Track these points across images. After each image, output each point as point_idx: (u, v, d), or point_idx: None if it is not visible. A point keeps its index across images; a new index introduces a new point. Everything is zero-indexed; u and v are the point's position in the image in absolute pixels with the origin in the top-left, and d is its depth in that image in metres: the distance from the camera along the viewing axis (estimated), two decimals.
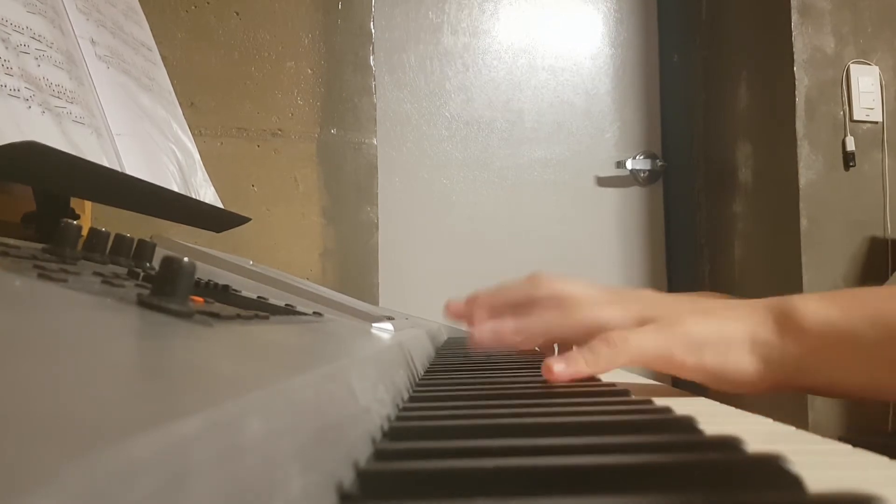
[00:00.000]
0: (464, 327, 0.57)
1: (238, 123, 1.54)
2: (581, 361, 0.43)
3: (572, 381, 0.44)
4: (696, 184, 2.09)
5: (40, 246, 0.38)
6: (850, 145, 1.76)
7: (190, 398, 0.14)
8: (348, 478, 0.19)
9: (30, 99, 0.52)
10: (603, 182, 2.07)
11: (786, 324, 0.43)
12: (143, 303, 0.26)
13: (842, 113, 1.77)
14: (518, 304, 0.52)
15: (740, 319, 0.44)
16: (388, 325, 0.60)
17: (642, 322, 0.46)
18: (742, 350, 0.44)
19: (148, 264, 0.45)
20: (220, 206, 0.85)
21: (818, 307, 0.43)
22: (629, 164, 2.05)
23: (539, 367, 0.56)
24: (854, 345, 0.42)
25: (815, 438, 0.30)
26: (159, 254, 0.37)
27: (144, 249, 0.46)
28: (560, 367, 0.43)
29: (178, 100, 0.88)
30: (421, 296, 1.89)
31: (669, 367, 0.44)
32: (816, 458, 0.26)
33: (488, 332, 0.49)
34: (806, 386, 0.44)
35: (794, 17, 1.75)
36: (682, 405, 0.35)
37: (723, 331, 0.44)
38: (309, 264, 1.56)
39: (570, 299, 0.49)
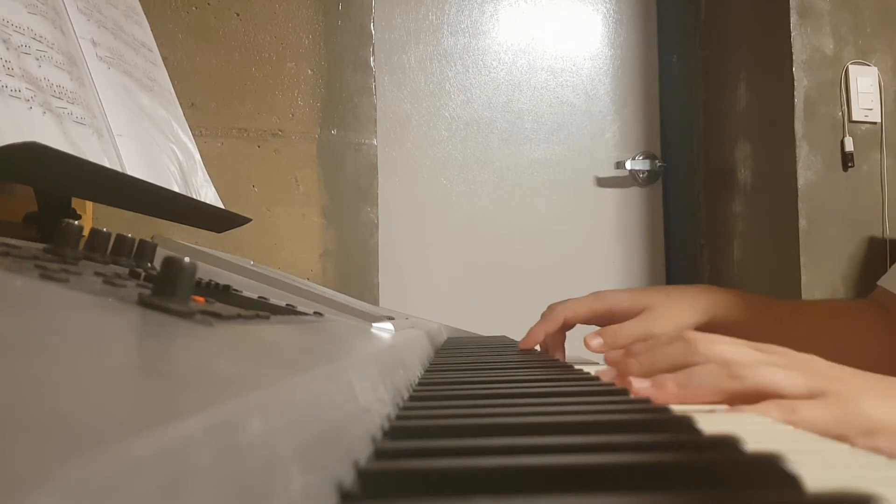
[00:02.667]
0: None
1: (238, 124, 1.54)
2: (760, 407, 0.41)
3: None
4: (696, 184, 2.09)
5: (42, 246, 0.38)
6: (849, 146, 1.76)
7: (190, 398, 0.14)
8: (349, 477, 0.19)
9: (31, 100, 0.52)
10: (602, 182, 2.07)
11: None
12: (144, 303, 0.26)
13: (841, 113, 1.77)
14: (671, 370, 0.47)
15: None
16: (388, 325, 0.60)
17: (814, 393, 0.43)
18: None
19: (149, 264, 0.45)
20: (221, 206, 0.85)
21: None
22: (629, 165, 2.05)
23: (539, 369, 0.56)
24: None
25: (814, 438, 0.30)
26: (160, 254, 0.37)
27: (145, 249, 0.46)
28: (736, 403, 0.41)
29: (178, 100, 0.88)
30: (421, 296, 1.89)
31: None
32: (815, 457, 0.26)
33: (653, 394, 0.44)
34: None
35: (793, 18, 1.75)
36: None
37: (893, 412, 0.42)
38: (309, 264, 1.56)
39: (734, 360, 0.44)
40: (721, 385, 0.43)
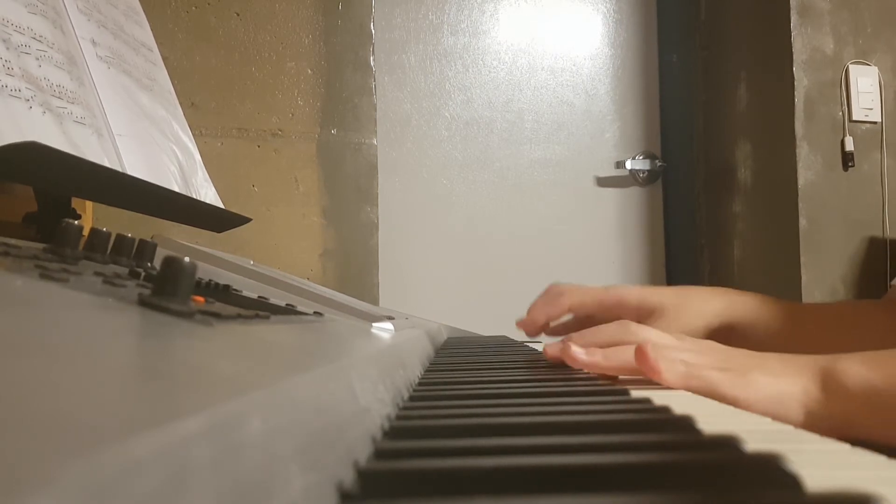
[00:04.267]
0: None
1: (238, 124, 1.54)
2: (663, 365, 0.48)
3: (645, 375, 0.49)
4: (696, 184, 2.09)
5: (41, 246, 0.38)
6: (850, 145, 1.76)
7: (190, 398, 0.14)
8: (348, 477, 0.19)
9: (31, 99, 0.52)
10: (602, 182, 2.07)
11: (831, 384, 0.49)
12: (144, 302, 0.26)
13: (841, 113, 1.77)
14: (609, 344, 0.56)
15: (795, 376, 0.50)
16: (388, 325, 0.60)
17: (718, 368, 0.50)
18: (797, 406, 0.49)
19: (149, 264, 0.45)
20: (221, 206, 0.85)
21: (860, 370, 0.49)
22: (629, 165, 2.05)
23: (538, 368, 0.56)
24: (890, 407, 0.47)
25: (814, 438, 0.30)
26: (160, 254, 0.37)
27: (145, 249, 0.46)
28: (650, 353, 0.48)
29: (178, 100, 0.88)
30: (421, 296, 1.89)
31: (735, 406, 0.49)
32: (815, 457, 0.26)
33: (583, 359, 0.53)
34: (851, 438, 0.48)
35: (794, 18, 1.75)
36: (681, 404, 0.35)
37: (781, 385, 0.49)
38: (309, 264, 1.56)
39: (657, 343, 0.53)
40: (633, 361, 0.50)
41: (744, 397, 0.48)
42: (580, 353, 0.53)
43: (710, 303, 0.74)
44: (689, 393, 0.46)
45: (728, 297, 0.76)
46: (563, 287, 0.77)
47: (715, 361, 0.51)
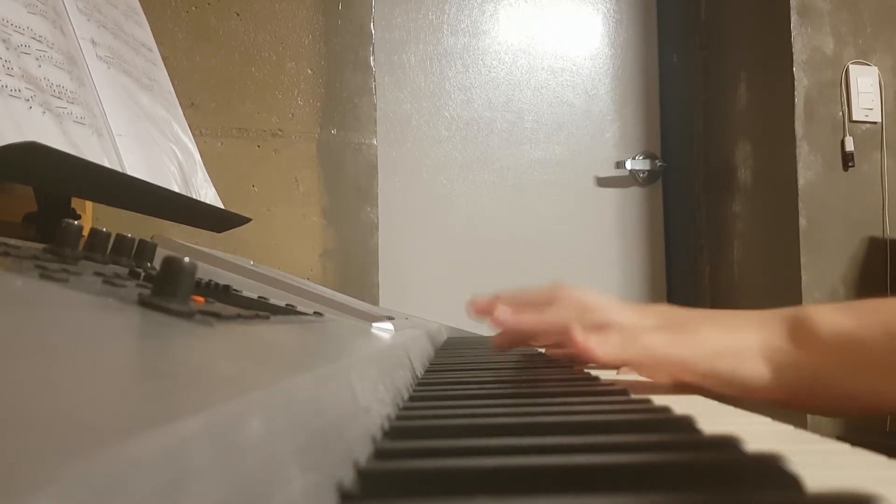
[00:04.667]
0: (483, 325, 0.58)
1: (238, 124, 1.54)
2: (593, 340, 0.44)
3: (580, 356, 0.46)
4: (696, 184, 2.09)
5: (41, 246, 0.38)
6: (850, 145, 1.76)
7: (190, 398, 0.14)
8: (348, 477, 0.19)
9: (31, 99, 0.52)
10: (602, 182, 2.07)
11: (800, 332, 0.45)
12: (144, 303, 0.26)
13: (841, 113, 1.77)
14: (539, 305, 0.52)
15: (754, 329, 0.45)
16: (388, 325, 0.60)
17: (654, 328, 0.47)
18: (756, 358, 0.45)
19: (149, 264, 0.45)
20: (221, 206, 0.85)
21: (832, 317, 0.44)
22: (629, 165, 2.05)
23: (538, 368, 0.56)
24: (866, 354, 0.43)
25: (814, 438, 0.30)
26: (160, 254, 0.37)
27: (145, 249, 0.46)
28: (578, 334, 0.44)
29: (178, 100, 0.88)
30: (421, 296, 1.89)
31: (680, 370, 0.45)
32: (815, 457, 0.26)
33: (509, 318, 0.50)
34: (822, 391, 0.45)
35: (794, 18, 1.75)
36: (682, 404, 0.35)
37: (737, 339, 0.45)
38: (309, 264, 1.56)
39: (590, 303, 0.50)
40: (566, 322, 0.47)
41: (690, 355, 0.44)
42: (506, 312, 0.50)
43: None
44: (689, 393, 0.46)
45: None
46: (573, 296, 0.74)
47: (655, 323, 0.47)
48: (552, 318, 0.49)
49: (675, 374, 0.45)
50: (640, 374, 0.49)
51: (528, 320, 0.50)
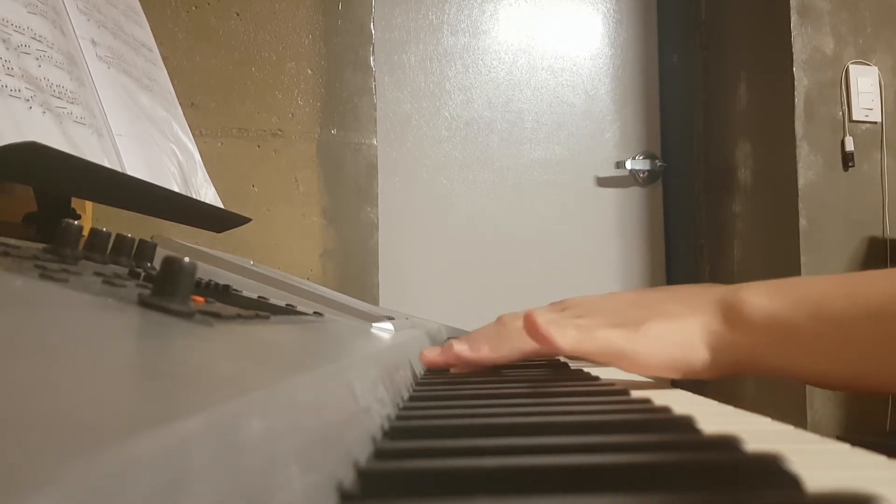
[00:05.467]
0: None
1: (238, 124, 1.54)
2: (553, 331, 0.46)
3: (540, 348, 0.48)
4: (696, 184, 2.09)
5: (41, 246, 0.38)
6: (850, 145, 1.76)
7: (190, 398, 0.14)
8: (348, 477, 0.19)
9: (31, 99, 0.52)
10: (602, 182, 2.07)
11: (734, 317, 0.47)
12: (144, 303, 0.26)
13: (841, 113, 1.77)
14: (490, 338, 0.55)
15: (694, 315, 0.48)
16: (388, 325, 0.60)
17: (605, 326, 0.50)
18: (698, 344, 0.48)
19: (149, 264, 0.45)
20: (221, 206, 0.85)
21: (762, 301, 0.46)
22: (629, 165, 2.05)
23: (538, 368, 0.56)
24: (795, 337, 0.45)
25: (814, 438, 0.30)
26: (160, 254, 0.37)
27: (145, 249, 0.46)
28: (541, 322, 0.46)
29: (178, 100, 0.88)
30: (421, 296, 1.89)
31: (634, 361, 0.48)
32: (815, 457, 0.26)
33: (465, 352, 0.52)
34: (759, 370, 0.48)
35: (794, 18, 1.75)
36: (682, 404, 0.35)
37: (679, 328, 0.48)
38: (309, 264, 1.56)
39: (533, 320, 0.51)
40: (523, 342, 0.50)
41: (643, 350, 0.47)
42: (464, 349, 0.51)
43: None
44: (688, 393, 0.46)
45: (715, 293, 0.76)
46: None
47: (607, 320, 0.49)
48: (511, 347, 0.52)
49: (629, 365, 0.48)
50: (597, 365, 0.53)
51: (488, 355, 0.52)
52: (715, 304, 0.48)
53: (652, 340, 0.47)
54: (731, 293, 0.48)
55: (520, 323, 0.49)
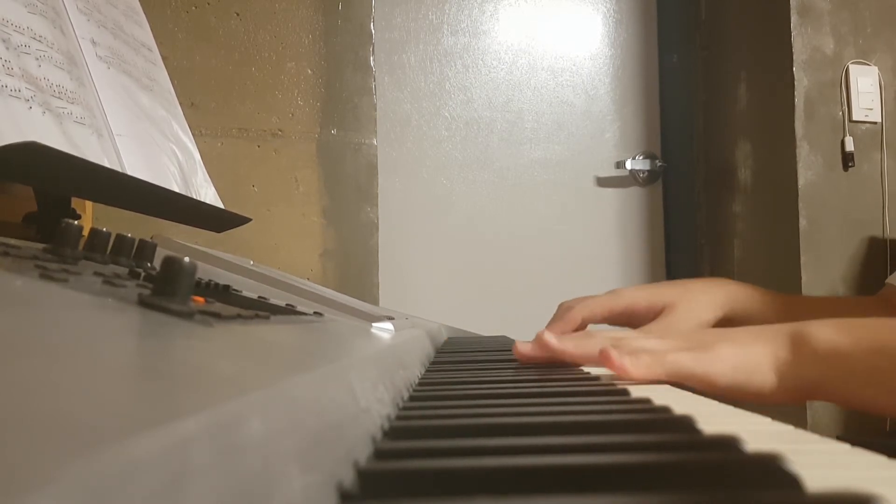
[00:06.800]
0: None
1: (238, 124, 1.54)
2: (627, 361, 0.49)
3: (617, 375, 0.50)
4: (696, 184, 2.09)
5: (41, 246, 0.38)
6: (850, 145, 1.76)
7: (190, 398, 0.14)
8: (348, 477, 0.19)
9: (30, 99, 0.52)
10: (602, 182, 2.07)
11: (801, 347, 0.51)
12: (144, 303, 0.26)
13: (841, 113, 1.77)
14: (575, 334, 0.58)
15: (763, 344, 0.52)
16: (388, 325, 0.60)
17: (680, 348, 0.52)
18: (766, 369, 0.51)
19: (149, 264, 0.45)
20: (221, 206, 0.85)
21: (829, 334, 0.51)
22: (629, 165, 2.05)
23: (538, 368, 0.56)
24: (853, 368, 0.49)
25: (814, 438, 0.30)
26: (160, 254, 0.37)
27: (145, 249, 0.46)
28: (614, 355, 0.49)
29: (178, 100, 0.88)
30: (421, 296, 1.89)
31: (704, 384, 0.51)
32: (815, 457, 0.26)
33: (554, 342, 0.56)
34: (820, 397, 0.52)
35: (794, 18, 1.75)
36: (682, 404, 0.35)
37: (749, 353, 0.51)
38: (309, 264, 1.56)
39: (621, 336, 0.55)
40: (598, 349, 0.52)
41: (713, 371, 0.50)
42: (552, 338, 0.55)
43: (713, 295, 0.76)
44: (689, 393, 0.46)
45: (727, 287, 0.77)
46: (571, 302, 0.77)
47: (678, 344, 0.52)
48: (590, 350, 0.54)
49: (700, 387, 0.51)
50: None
51: (570, 347, 0.55)
52: (784, 335, 0.52)
53: (721, 362, 0.50)
54: (800, 326, 0.52)
55: (608, 334, 0.55)
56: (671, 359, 0.50)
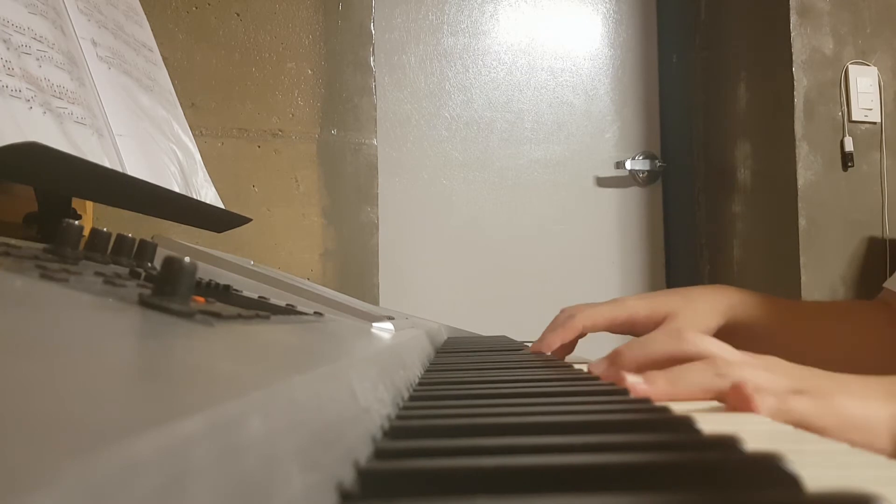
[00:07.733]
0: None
1: (239, 124, 1.54)
2: (756, 399, 0.43)
3: (723, 388, 0.45)
4: (696, 184, 2.09)
5: (42, 246, 0.38)
6: (849, 146, 1.76)
7: (190, 398, 0.14)
8: (349, 477, 0.19)
9: (31, 100, 0.52)
10: (602, 182, 2.07)
11: None
12: (144, 303, 0.26)
13: (840, 113, 1.77)
14: (662, 361, 0.50)
15: (883, 400, 0.48)
16: (388, 325, 0.60)
17: (795, 391, 0.47)
18: (884, 432, 0.47)
19: (149, 264, 0.45)
20: (221, 206, 0.85)
21: None
22: (628, 165, 2.05)
23: (539, 368, 0.56)
24: None
25: (814, 438, 0.30)
26: (160, 254, 0.37)
27: (146, 249, 0.46)
28: (751, 397, 0.43)
29: (178, 100, 0.88)
30: (421, 296, 1.89)
31: (821, 434, 0.47)
32: (815, 457, 0.26)
33: (644, 388, 0.47)
34: None
35: (793, 18, 1.75)
36: (681, 404, 0.35)
37: (868, 410, 0.47)
38: (309, 264, 1.56)
39: (721, 358, 0.48)
40: (708, 383, 0.46)
41: (831, 428, 0.45)
42: (639, 384, 0.46)
43: (715, 302, 0.75)
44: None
45: (728, 294, 0.76)
46: (573, 309, 0.75)
47: (792, 384, 0.47)
48: (689, 388, 0.47)
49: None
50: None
51: (662, 389, 0.47)
52: None
53: (841, 421, 0.46)
54: None
55: (704, 343, 0.49)
56: (794, 405, 0.45)
